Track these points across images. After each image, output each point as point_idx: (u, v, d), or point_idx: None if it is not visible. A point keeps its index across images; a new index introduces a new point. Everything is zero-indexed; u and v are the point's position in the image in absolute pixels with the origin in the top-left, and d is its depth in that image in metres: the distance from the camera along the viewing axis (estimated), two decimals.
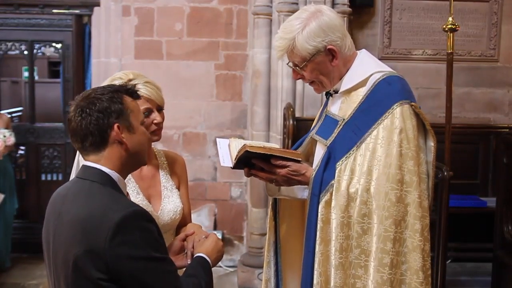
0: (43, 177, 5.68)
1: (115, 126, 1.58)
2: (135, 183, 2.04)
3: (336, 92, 2.13)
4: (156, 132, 2.03)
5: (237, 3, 5.10)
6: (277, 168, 2.02)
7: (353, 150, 1.96)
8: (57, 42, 5.70)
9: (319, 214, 1.95)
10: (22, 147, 5.75)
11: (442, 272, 3.10)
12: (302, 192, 2.15)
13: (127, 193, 1.79)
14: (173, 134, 5.16)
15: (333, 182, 1.95)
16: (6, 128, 5.06)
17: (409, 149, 1.93)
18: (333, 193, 1.94)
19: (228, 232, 5.26)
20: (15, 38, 5.61)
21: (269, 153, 2.00)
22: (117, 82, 1.89)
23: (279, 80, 4.26)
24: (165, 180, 2.12)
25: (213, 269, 1.77)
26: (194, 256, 1.78)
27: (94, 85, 5.15)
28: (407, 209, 1.92)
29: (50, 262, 1.61)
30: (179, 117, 5.09)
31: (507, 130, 4.44)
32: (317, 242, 1.94)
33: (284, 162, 2.02)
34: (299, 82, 4.10)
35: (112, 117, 1.57)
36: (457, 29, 3.22)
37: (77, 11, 5.37)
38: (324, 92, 2.19)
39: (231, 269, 5.06)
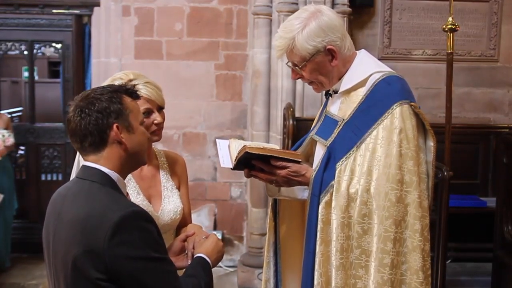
0: (43, 177, 5.68)
1: (114, 126, 1.58)
2: (136, 183, 2.04)
3: (335, 92, 2.13)
4: (156, 132, 2.03)
5: (237, 3, 5.10)
6: (277, 169, 2.02)
7: (353, 151, 1.96)
8: (57, 42, 5.70)
9: (319, 214, 1.95)
10: (22, 147, 5.75)
11: (442, 272, 3.10)
12: (302, 193, 2.15)
13: (127, 193, 1.79)
14: (173, 134, 5.16)
15: (333, 182, 1.94)
16: (6, 128, 5.05)
17: (408, 149, 1.93)
18: (333, 194, 1.94)
19: (228, 232, 5.26)
20: (15, 38, 5.61)
21: (269, 154, 2.00)
22: (117, 82, 1.89)
23: (279, 80, 4.26)
24: (165, 180, 2.12)
25: (213, 269, 1.77)
26: (194, 256, 1.78)
27: (94, 85, 5.16)
28: (407, 209, 1.92)
29: (50, 262, 1.61)
30: (179, 117, 5.09)
31: (507, 130, 4.44)
32: (318, 242, 1.94)
33: (284, 163, 2.02)
34: (299, 82, 4.11)
35: (111, 117, 1.57)
36: (457, 29, 3.22)
37: (77, 11, 5.37)
38: (324, 93, 2.20)
39: (231, 269, 5.06)
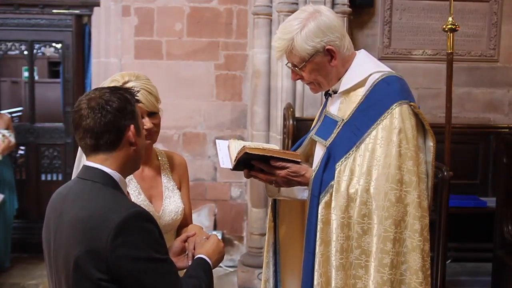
0: (43, 177, 5.68)
1: (132, 126, 1.59)
2: (137, 184, 2.04)
3: (335, 92, 2.13)
4: (146, 136, 2.03)
5: (237, 3, 5.10)
6: (276, 170, 2.02)
7: (353, 151, 1.96)
8: (57, 42, 5.70)
9: (319, 215, 1.95)
10: (22, 147, 5.75)
11: (442, 272, 3.10)
12: (302, 193, 2.15)
13: (128, 192, 1.79)
14: (173, 134, 5.16)
15: (332, 183, 1.95)
16: (7, 128, 5.05)
17: (408, 149, 1.93)
18: (333, 194, 1.94)
19: (228, 232, 5.26)
20: (15, 38, 5.60)
21: (268, 154, 2.00)
22: (113, 84, 1.89)
23: (279, 80, 4.26)
24: (166, 180, 2.12)
25: (213, 269, 1.77)
26: (195, 257, 1.78)
27: (94, 85, 5.17)
28: (407, 209, 1.92)
29: (51, 262, 1.61)
30: (179, 117, 5.09)
31: (507, 130, 4.45)
32: (317, 243, 1.94)
33: (283, 164, 2.02)
34: (299, 82, 4.10)
35: (128, 117, 1.59)
36: (457, 29, 3.22)
37: (77, 11, 5.37)
38: (324, 93, 2.20)
39: (231, 269, 5.07)
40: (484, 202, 4.22)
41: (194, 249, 1.85)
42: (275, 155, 2.02)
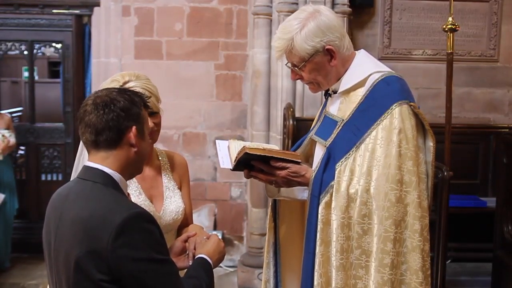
0: (43, 177, 5.69)
1: (134, 128, 1.59)
2: (137, 184, 2.04)
3: (335, 92, 2.13)
4: None
5: (237, 3, 5.10)
6: (276, 170, 2.02)
7: (353, 151, 1.96)
8: (57, 42, 5.70)
9: (319, 215, 1.95)
10: (22, 147, 5.75)
11: (442, 272, 3.10)
12: (302, 193, 2.15)
13: (128, 193, 1.79)
14: (173, 134, 5.16)
15: (332, 183, 1.95)
16: (7, 128, 5.05)
17: (408, 149, 1.93)
18: (333, 194, 1.94)
19: (228, 232, 5.26)
20: (15, 38, 5.61)
21: (268, 154, 2.00)
22: (113, 85, 1.90)
23: (279, 80, 4.26)
24: (167, 180, 2.12)
25: (213, 269, 1.78)
26: (196, 257, 1.78)
27: (94, 85, 5.18)
28: (407, 209, 1.92)
29: (51, 263, 1.61)
30: (179, 117, 5.09)
31: (507, 130, 4.45)
32: (318, 243, 1.94)
33: (283, 164, 2.02)
34: (299, 82, 4.09)
35: (131, 119, 1.60)
36: (457, 29, 3.22)
37: (77, 11, 5.37)
38: (323, 93, 2.19)
39: (231, 269, 5.07)
40: (484, 202, 4.22)
41: (195, 249, 1.85)
42: (275, 156, 2.02)
